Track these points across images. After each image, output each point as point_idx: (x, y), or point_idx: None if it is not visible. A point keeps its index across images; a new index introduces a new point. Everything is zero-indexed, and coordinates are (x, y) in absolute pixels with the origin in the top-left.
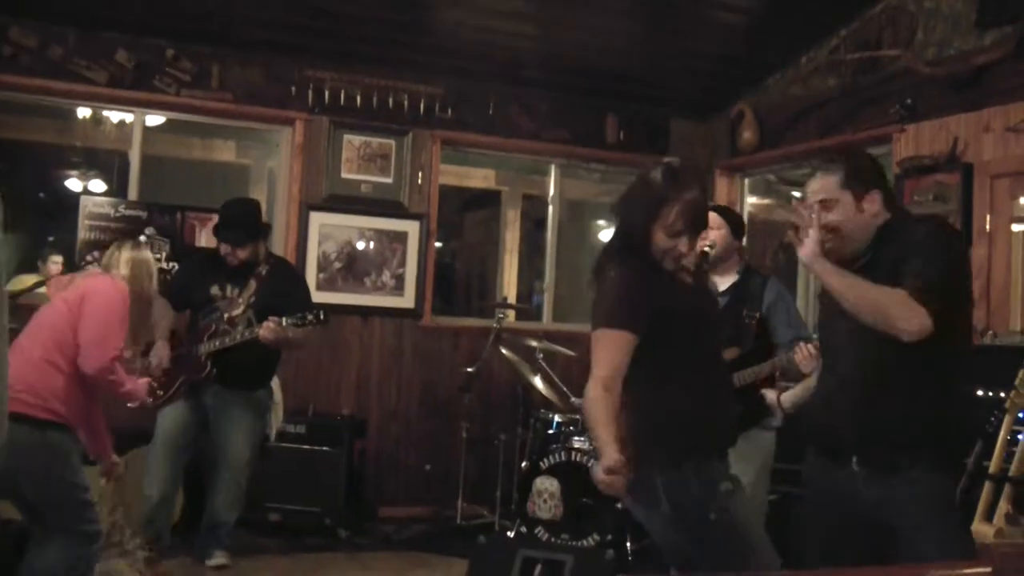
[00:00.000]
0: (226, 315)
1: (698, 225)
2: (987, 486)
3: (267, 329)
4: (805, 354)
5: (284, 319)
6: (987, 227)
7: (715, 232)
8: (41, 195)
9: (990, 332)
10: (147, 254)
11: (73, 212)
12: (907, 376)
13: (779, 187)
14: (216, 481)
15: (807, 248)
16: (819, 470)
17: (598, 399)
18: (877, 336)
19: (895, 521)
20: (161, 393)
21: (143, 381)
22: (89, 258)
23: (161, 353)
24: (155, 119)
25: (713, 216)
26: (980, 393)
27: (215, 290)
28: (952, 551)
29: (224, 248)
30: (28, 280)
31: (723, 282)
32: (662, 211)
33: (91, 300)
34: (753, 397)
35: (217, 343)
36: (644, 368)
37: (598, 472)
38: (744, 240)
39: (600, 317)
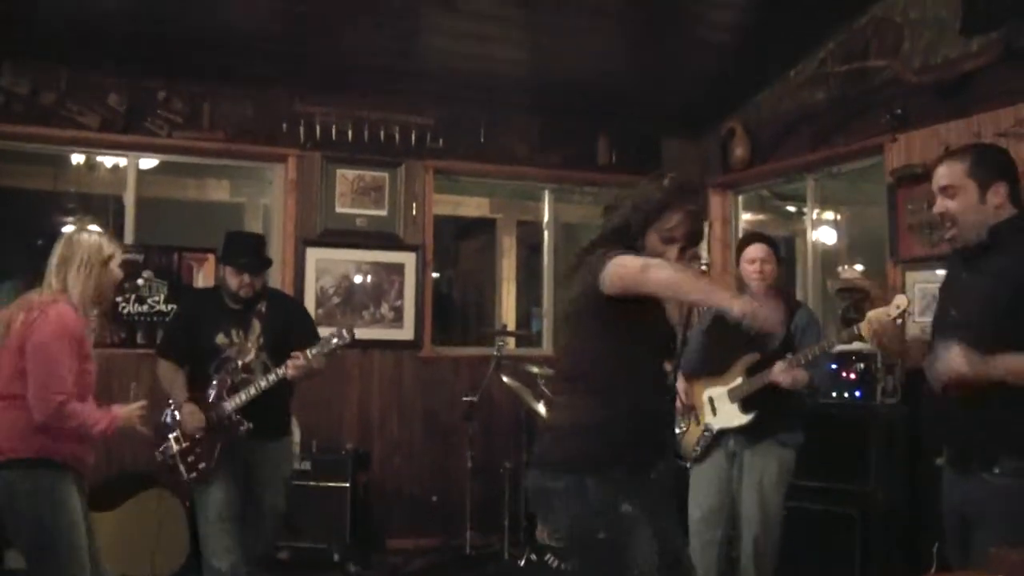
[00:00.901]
0: (239, 363)
1: (692, 239)
2: None
3: (294, 368)
4: (789, 377)
5: (310, 351)
6: None
7: (765, 265)
8: (39, 242)
9: None
10: (78, 236)
11: None
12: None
13: (773, 202)
14: (249, 535)
15: (963, 368)
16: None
17: (677, 271)
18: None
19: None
20: (203, 466)
21: (118, 409)
22: None
23: (195, 417)
24: (149, 162)
25: (761, 248)
26: None
27: (221, 338)
28: None
29: (237, 281)
30: None
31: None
32: (663, 215)
33: (30, 344)
34: (770, 408)
35: (243, 396)
36: (615, 360)
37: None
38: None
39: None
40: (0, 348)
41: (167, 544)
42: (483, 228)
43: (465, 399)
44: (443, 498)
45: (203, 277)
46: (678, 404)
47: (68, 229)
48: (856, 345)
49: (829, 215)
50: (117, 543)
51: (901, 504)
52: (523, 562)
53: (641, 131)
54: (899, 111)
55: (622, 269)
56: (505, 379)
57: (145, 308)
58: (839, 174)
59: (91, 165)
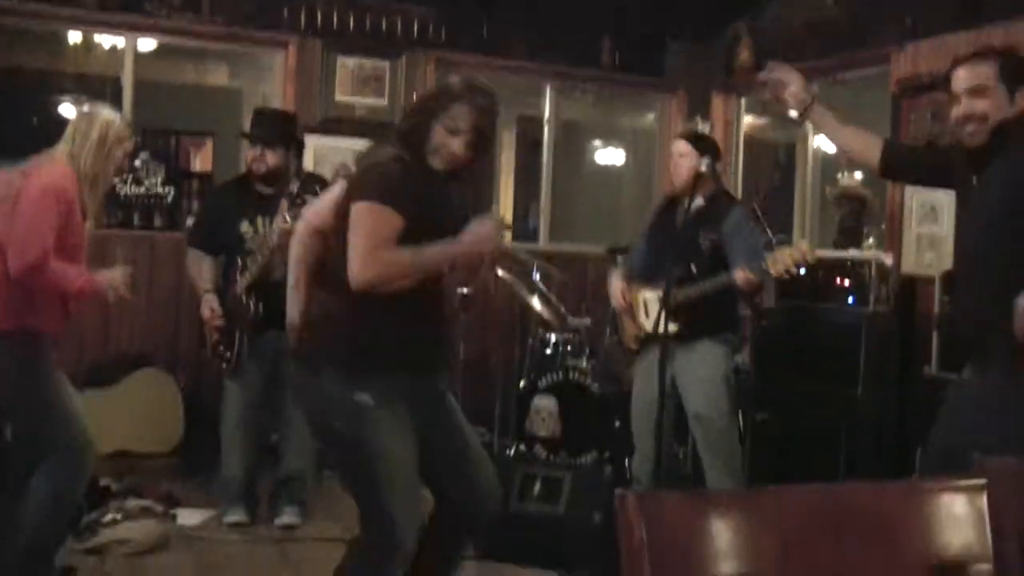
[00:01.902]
0: (262, 253)
1: (478, 134)
2: None
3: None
4: (743, 277)
5: None
6: None
7: (682, 159)
8: (34, 121)
9: None
10: (98, 112)
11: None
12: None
13: (776, 107)
14: (285, 428)
15: None
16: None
17: (381, 255)
18: (989, 240)
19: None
20: (229, 354)
21: (106, 274)
22: None
23: (206, 305)
24: (147, 44)
25: (682, 143)
26: None
27: (245, 227)
28: None
29: (252, 153)
30: None
31: (690, 204)
32: (451, 107)
33: (21, 199)
34: (699, 313)
35: (248, 276)
36: None
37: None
38: (716, 165)
39: (367, 190)
40: None
41: (162, 422)
42: None
43: (459, 291)
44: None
45: (200, 161)
46: (613, 303)
47: (85, 107)
48: (852, 252)
49: None
50: (113, 421)
51: (888, 411)
52: (511, 452)
53: (646, 32)
54: (909, 21)
55: (354, 236)
56: (500, 272)
57: (142, 190)
58: (844, 82)
59: (88, 45)
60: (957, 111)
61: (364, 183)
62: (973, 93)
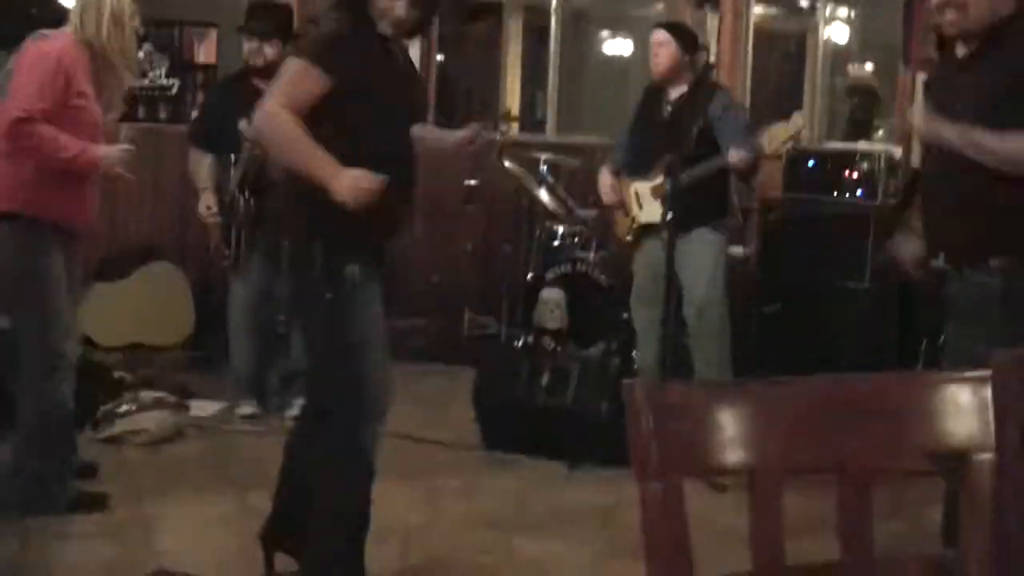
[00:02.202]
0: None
1: None
2: None
3: None
4: (737, 156)
5: None
6: None
7: (661, 48)
8: (33, 10)
9: None
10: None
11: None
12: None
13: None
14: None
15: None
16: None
17: (280, 116)
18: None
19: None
20: (228, 251)
21: (104, 148)
22: None
23: (208, 202)
24: None
25: (660, 32)
26: None
27: (243, 125)
28: None
29: (249, 46)
30: None
31: (673, 93)
32: None
33: (20, 65)
34: (693, 200)
35: (241, 170)
36: (333, 128)
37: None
38: (696, 54)
39: (303, 48)
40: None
41: (174, 315)
42: (490, 11)
43: (466, 183)
44: (443, 280)
45: (205, 52)
46: (604, 199)
47: None
48: (861, 144)
49: (843, 12)
50: (124, 314)
51: (894, 303)
52: (519, 343)
53: None
54: None
55: (273, 86)
56: (507, 163)
57: (146, 82)
58: None
59: None
60: None
61: (302, 42)
62: None
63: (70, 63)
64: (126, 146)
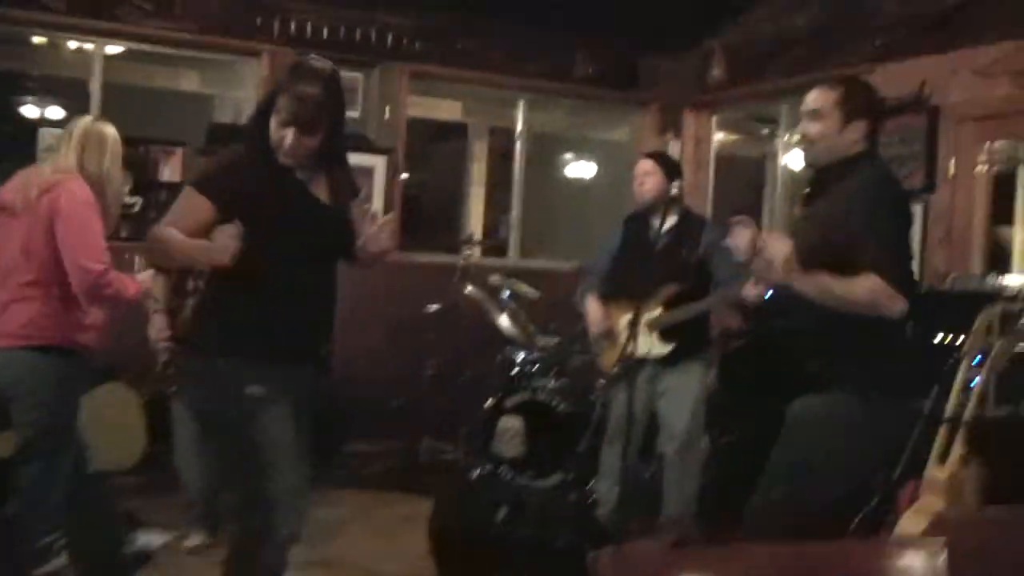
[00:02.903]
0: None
1: (303, 120)
2: (942, 429)
3: None
4: (754, 291)
5: None
6: (951, 171)
7: (647, 177)
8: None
9: (950, 277)
10: (105, 128)
11: (31, 141)
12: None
13: (749, 124)
14: None
15: (774, 272)
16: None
17: (154, 231)
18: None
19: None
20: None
21: (144, 275)
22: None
23: (158, 323)
24: (117, 47)
25: (647, 162)
26: (939, 338)
27: None
28: None
29: None
30: None
31: (658, 222)
32: (277, 101)
33: (62, 214)
34: (687, 332)
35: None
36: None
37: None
38: (679, 182)
39: (194, 176)
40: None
41: (124, 439)
42: (455, 132)
43: (430, 307)
44: (403, 405)
45: (170, 171)
46: (591, 328)
47: (88, 118)
48: None
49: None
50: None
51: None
52: (478, 471)
53: (620, 46)
54: (879, 42)
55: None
56: (469, 288)
57: None
58: None
59: (55, 44)
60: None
61: (196, 171)
62: (810, 115)
63: (98, 208)
64: (150, 272)
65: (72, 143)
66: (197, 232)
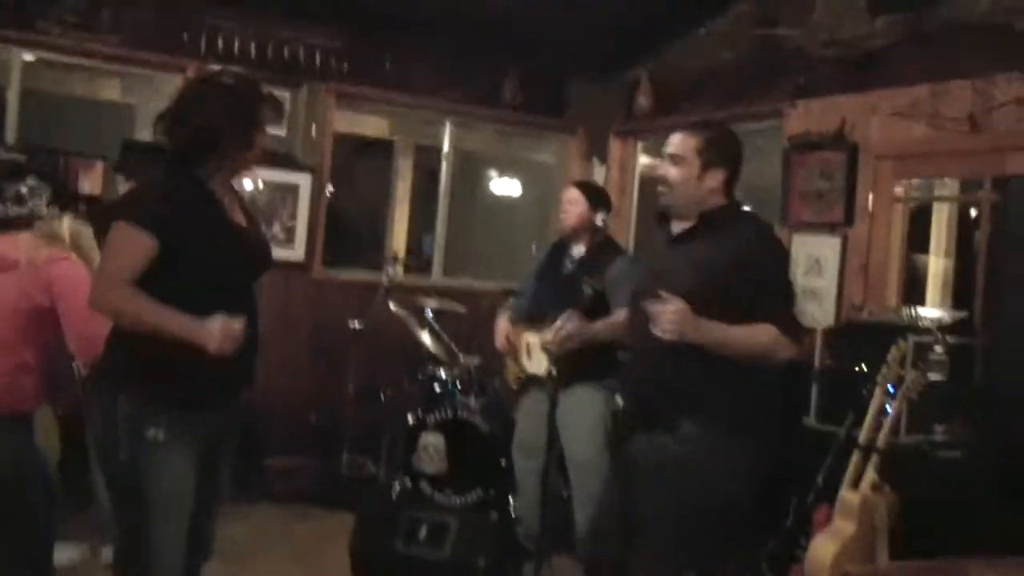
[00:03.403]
0: None
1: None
2: (856, 455)
3: None
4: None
5: None
6: (869, 206)
7: (571, 206)
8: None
9: (867, 309)
10: (87, 229)
11: None
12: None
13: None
14: None
15: (670, 329)
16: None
17: (125, 297)
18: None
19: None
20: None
21: None
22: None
23: None
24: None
25: (572, 191)
26: (856, 368)
27: None
28: None
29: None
30: None
31: (577, 251)
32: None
33: (67, 288)
34: (580, 358)
35: None
36: (159, 283)
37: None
38: (604, 212)
39: (125, 211)
40: None
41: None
42: (381, 149)
43: (351, 324)
44: (323, 421)
45: (89, 184)
46: (496, 344)
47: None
48: None
49: None
50: None
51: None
52: (397, 487)
53: (548, 72)
54: (801, 79)
55: (111, 238)
56: (393, 307)
57: (25, 211)
58: (739, 133)
59: None
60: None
61: (121, 204)
62: (670, 158)
63: None
64: None
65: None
66: (139, 272)
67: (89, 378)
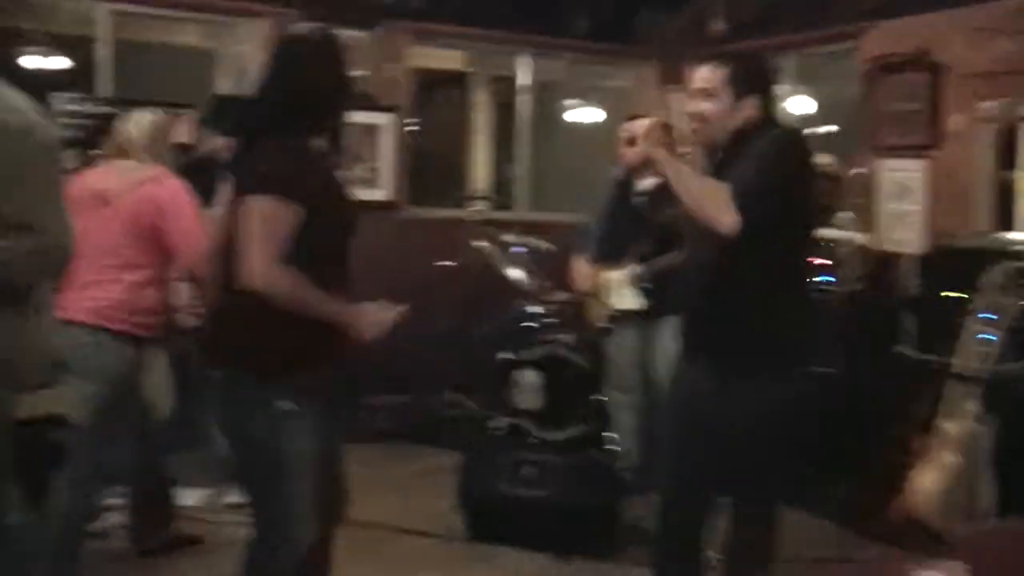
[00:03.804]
0: None
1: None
2: (953, 384)
3: None
4: None
5: None
6: (956, 128)
7: (629, 145)
8: None
9: (956, 234)
10: (160, 119)
11: (32, 90)
12: (740, 280)
13: None
14: None
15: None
16: (680, 369)
17: (289, 279)
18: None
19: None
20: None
21: None
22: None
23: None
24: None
25: (632, 125)
26: (946, 294)
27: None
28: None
29: (225, 144)
30: None
31: (642, 184)
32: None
33: (167, 206)
34: (664, 289)
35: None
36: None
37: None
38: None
39: (269, 184)
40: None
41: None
42: (456, 81)
43: (440, 263)
44: (419, 361)
45: (179, 134)
46: (578, 285)
47: (146, 116)
48: (828, 232)
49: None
50: None
51: (860, 387)
52: (497, 425)
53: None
54: None
55: (252, 213)
56: (479, 243)
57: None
58: (817, 57)
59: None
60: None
61: (257, 175)
62: (699, 94)
63: None
64: None
65: (143, 138)
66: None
67: (204, 339)
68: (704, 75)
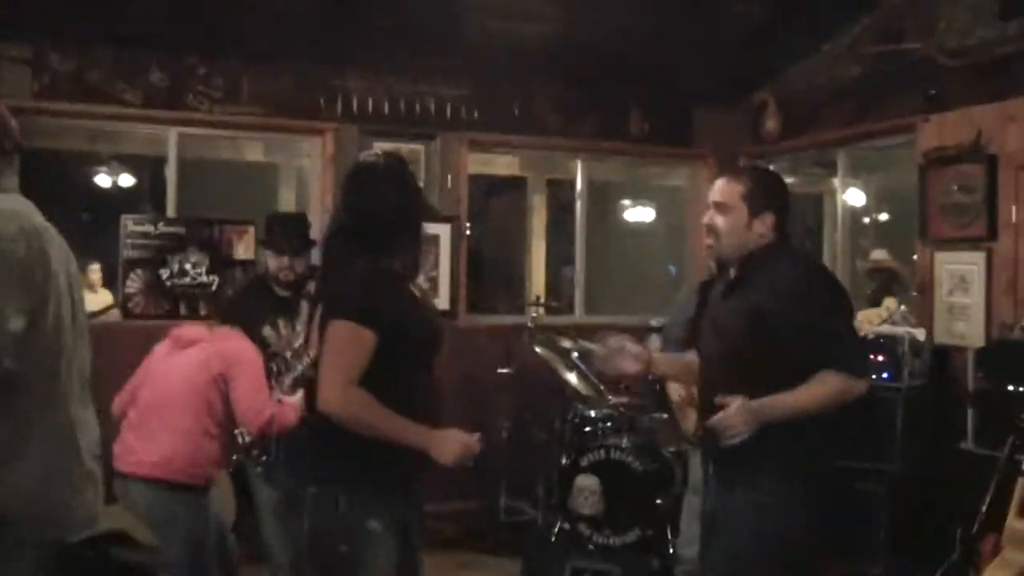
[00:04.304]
0: (288, 354)
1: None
2: (1020, 481)
3: None
4: None
5: None
6: (1012, 219)
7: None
8: (84, 217)
9: (1019, 326)
10: None
11: (103, 210)
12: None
13: (804, 166)
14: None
15: (741, 432)
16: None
17: (355, 399)
18: (729, 362)
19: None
20: (264, 459)
21: (295, 399)
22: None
23: None
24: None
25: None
26: (1011, 388)
27: (267, 332)
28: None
29: (278, 263)
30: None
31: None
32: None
33: (242, 366)
34: None
35: (287, 380)
36: (370, 375)
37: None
38: None
39: (344, 310)
40: (173, 367)
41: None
42: (513, 186)
43: (500, 370)
44: (479, 466)
45: (243, 249)
46: (675, 396)
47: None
48: (885, 328)
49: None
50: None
51: (925, 485)
52: (556, 529)
53: (673, 101)
54: (932, 92)
55: (335, 338)
56: (537, 349)
57: (187, 280)
58: (870, 149)
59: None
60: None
61: (336, 301)
62: (716, 206)
63: None
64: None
65: None
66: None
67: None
68: (720, 188)
